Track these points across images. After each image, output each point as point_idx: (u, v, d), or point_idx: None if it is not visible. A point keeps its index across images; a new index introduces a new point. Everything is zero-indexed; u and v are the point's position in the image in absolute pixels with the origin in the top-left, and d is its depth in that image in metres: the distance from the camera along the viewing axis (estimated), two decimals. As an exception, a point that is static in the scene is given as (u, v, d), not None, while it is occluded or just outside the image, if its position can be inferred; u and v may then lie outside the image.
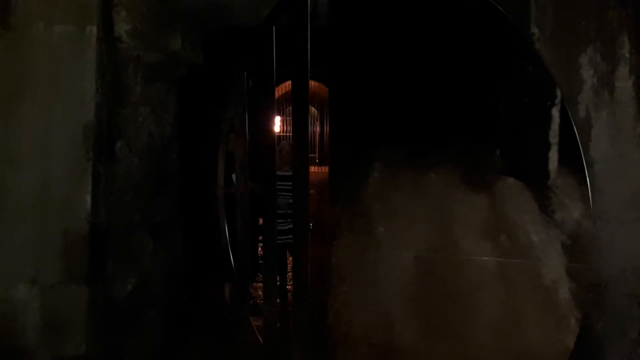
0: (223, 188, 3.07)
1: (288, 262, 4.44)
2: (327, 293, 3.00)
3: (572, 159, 3.46)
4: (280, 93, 10.01)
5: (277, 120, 12.97)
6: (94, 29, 2.28)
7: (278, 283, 3.62)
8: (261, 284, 4.16)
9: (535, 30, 2.36)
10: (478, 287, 2.85)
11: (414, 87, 3.10)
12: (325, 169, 5.36)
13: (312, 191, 4.33)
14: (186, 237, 3.02)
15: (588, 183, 2.35)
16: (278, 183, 3.27)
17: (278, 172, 3.22)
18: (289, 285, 4.34)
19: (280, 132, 12.52)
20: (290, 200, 4.17)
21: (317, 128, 13.70)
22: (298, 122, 2.99)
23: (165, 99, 2.78)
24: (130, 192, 2.51)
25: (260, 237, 4.55)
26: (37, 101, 2.25)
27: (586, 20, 2.27)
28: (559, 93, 3.47)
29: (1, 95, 2.24)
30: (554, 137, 3.62)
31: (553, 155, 3.62)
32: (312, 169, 5.45)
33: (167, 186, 2.81)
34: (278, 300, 3.61)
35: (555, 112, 3.62)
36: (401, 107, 3.08)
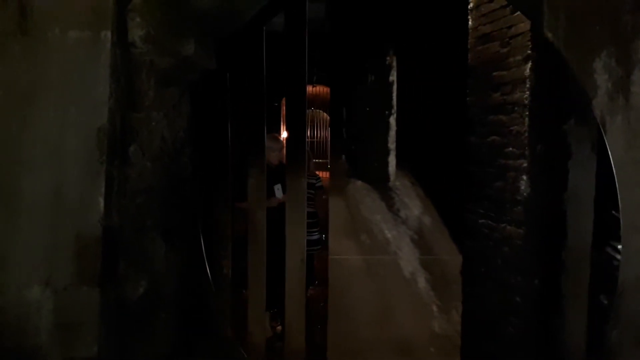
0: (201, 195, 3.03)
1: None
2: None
3: (405, 162, 3.91)
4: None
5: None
6: (109, 34, 2.31)
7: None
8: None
9: (548, 34, 2.34)
10: (352, 284, 2.97)
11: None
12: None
13: (324, 197, 4.36)
14: (195, 242, 3.03)
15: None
16: None
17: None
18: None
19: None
20: (313, 209, 4.18)
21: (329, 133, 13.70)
22: (294, 129, 3.00)
23: (178, 104, 2.80)
24: (143, 195, 2.53)
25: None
26: (52, 104, 2.28)
27: (600, 25, 2.25)
28: (395, 103, 3.89)
29: (17, 98, 2.27)
30: (392, 143, 3.95)
31: (392, 160, 3.94)
32: (323, 174, 5.44)
33: (179, 190, 2.83)
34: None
35: (393, 121, 3.97)
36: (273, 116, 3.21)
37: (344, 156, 3.18)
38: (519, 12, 2.96)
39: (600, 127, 2.30)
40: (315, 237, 4.23)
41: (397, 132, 3.93)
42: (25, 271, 2.28)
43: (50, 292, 2.29)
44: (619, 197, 2.23)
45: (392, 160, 4.06)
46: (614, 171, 2.22)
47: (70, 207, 2.30)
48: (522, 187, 2.85)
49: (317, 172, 4.72)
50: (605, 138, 2.25)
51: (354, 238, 3.08)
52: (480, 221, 3.23)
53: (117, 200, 2.43)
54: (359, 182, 3.39)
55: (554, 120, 2.80)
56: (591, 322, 2.67)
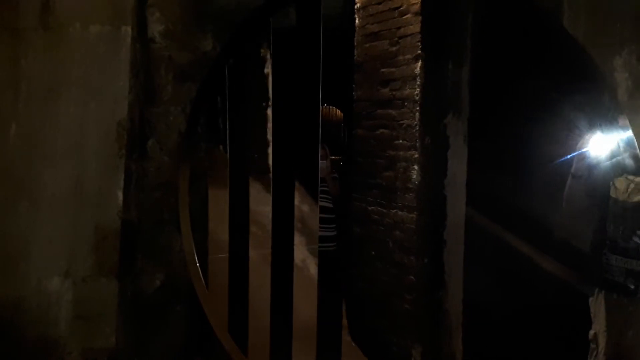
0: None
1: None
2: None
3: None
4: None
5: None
6: (129, 29, 2.34)
7: None
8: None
9: (568, 31, 2.32)
10: (253, 280, 2.96)
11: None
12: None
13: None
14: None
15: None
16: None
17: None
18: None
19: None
20: (330, 205, 4.18)
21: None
22: (307, 127, 2.97)
23: (195, 99, 2.82)
24: (161, 189, 2.56)
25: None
26: (73, 99, 2.32)
27: (621, 22, 2.23)
28: (270, 96, 3.96)
29: (39, 93, 2.31)
30: (270, 135, 4.04)
31: (271, 151, 4.04)
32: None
33: (196, 185, 2.86)
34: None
35: (270, 112, 4.04)
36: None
37: (221, 146, 3.14)
38: (408, 15, 3.24)
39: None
40: (330, 234, 4.21)
41: (275, 124, 4.00)
42: (45, 262, 2.33)
43: (70, 284, 2.33)
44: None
45: (271, 151, 4.14)
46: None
47: (90, 200, 2.34)
48: (414, 176, 3.19)
49: None
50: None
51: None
52: (370, 208, 3.59)
53: (135, 194, 2.46)
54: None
55: (437, 115, 3.18)
56: (467, 291, 3.14)
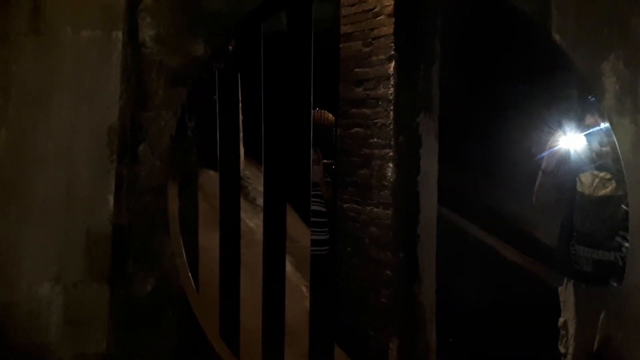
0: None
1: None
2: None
3: (253, 152, 4.07)
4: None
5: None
6: (120, 34, 2.34)
7: None
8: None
9: (556, 36, 2.35)
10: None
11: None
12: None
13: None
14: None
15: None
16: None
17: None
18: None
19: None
20: (323, 209, 4.20)
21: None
22: (299, 130, 3.00)
23: (186, 103, 2.82)
24: (152, 193, 2.56)
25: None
26: (64, 103, 2.31)
27: (609, 27, 2.26)
28: (239, 94, 4.03)
29: (30, 97, 2.31)
30: (240, 132, 4.12)
31: (241, 149, 4.15)
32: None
33: (188, 189, 2.86)
34: None
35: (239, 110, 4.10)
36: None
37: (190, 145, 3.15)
38: (382, 17, 3.34)
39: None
40: (323, 237, 4.22)
41: (245, 122, 4.02)
42: (36, 268, 2.32)
43: (61, 289, 2.32)
44: (628, 198, 2.25)
45: (241, 149, 4.16)
46: (624, 172, 2.24)
47: (81, 205, 2.34)
48: (389, 174, 3.31)
49: None
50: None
51: (216, 231, 3.05)
52: (345, 205, 3.72)
53: (126, 198, 2.46)
54: (212, 172, 3.34)
55: (409, 113, 3.30)
56: (439, 283, 3.28)
